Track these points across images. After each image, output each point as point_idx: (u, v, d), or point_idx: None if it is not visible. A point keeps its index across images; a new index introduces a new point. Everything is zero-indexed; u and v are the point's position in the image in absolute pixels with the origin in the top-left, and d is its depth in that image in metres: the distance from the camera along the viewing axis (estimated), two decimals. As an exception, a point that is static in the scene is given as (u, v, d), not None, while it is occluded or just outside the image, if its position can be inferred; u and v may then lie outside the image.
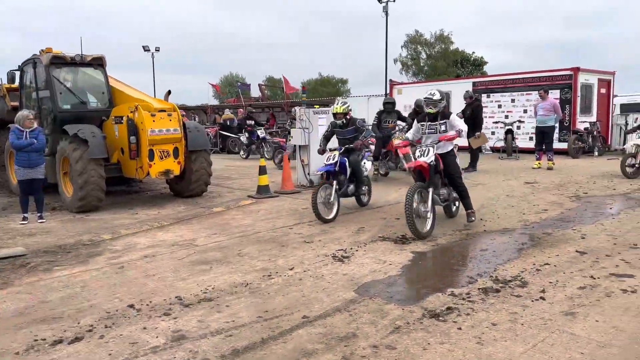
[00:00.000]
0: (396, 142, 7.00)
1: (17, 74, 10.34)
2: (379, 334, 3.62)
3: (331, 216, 7.55)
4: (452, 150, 6.89)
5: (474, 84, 18.68)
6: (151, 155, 8.79)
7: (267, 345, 3.50)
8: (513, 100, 17.82)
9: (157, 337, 3.69)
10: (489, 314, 3.93)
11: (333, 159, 7.73)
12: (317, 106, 13.53)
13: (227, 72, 79.17)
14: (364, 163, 8.30)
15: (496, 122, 17.67)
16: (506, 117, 17.60)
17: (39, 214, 8.05)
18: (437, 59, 55.64)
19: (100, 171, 8.57)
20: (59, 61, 9.23)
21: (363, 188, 8.34)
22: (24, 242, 6.71)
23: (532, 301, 4.17)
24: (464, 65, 52.88)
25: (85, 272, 5.38)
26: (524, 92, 17.49)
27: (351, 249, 5.95)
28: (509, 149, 15.95)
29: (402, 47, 57.85)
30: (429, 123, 6.87)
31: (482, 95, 17.40)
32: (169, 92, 10.49)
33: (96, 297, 4.60)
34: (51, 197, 9.36)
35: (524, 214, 7.62)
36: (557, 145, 15.03)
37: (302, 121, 10.39)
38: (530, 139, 15.68)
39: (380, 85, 27.85)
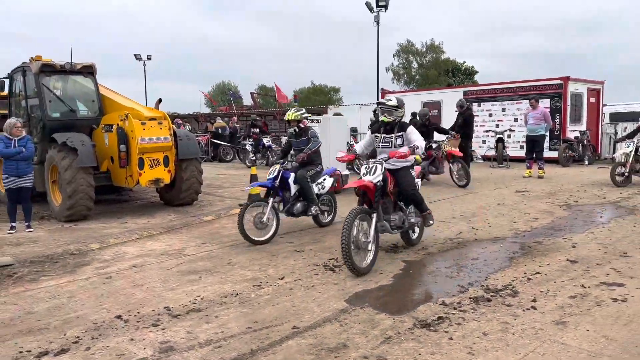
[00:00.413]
0: (339, 154, 6.08)
1: (7, 82, 10.25)
2: (370, 344, 3.58)
3: (264, 238, 6.72)
4: (410, 166, 5.97)
5: (465, 92, 18.80)
6: (141, 164, 8.73)
7: (256, 357, 3.45)
8: (504, 109, 17.96)
9: (144, 348, 3.63)
10: (480, 324, 3.91)
11: (273, 173, 7.01)
12: (310, 115, 13.52)
13: (219, 80, 79.19)
14: (323, 180, 7.39)
15: (487, 131, 17.79)
16: (497, 125, 17.71)
17: (27, 223, 7.94)
18: (429, 68, 56.10)
19: (89, 180, 8.48)
20: (49, 69, 9.17)
21: (314, 208, 7.20)
22: (11, 251, 6.61)
23: (523, 310, 4.16)
24: (455, 74, 53.34)
25: (72, 283, 5.30)
26: (515, 101, 17.63)
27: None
28: (499, 158, 16.04)
29: (393, 56, 58.33)
30: (384, 135, 5.92)
31: (473, 104, 17.50)
32: (160, 101, 10.45)
33: (83, 308, 4.53)
34: (40, 206, 9.26)
35: (515, 223, 7.63)
36: (547, 154, 15.15)
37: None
38: (521, 147, 15.78)
39: (372, 94, 27.97)
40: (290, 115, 7.36)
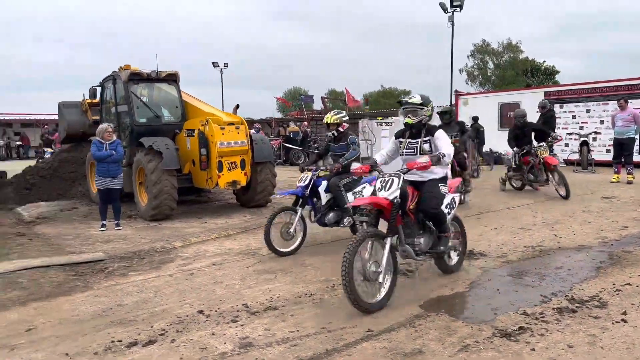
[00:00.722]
0: (354, 166, 5.48)
1: (98, 89, 11.08)
2: (447, 352, 3.52)
3: (289, 249, 6.36)
4: (439, 179, 4.97)
5: (545, 93, 17.90)
6: (220, 167, 9.12)
7: (332, 357, 3.49)
8: (588, 111, 16.90)
9: (225, 343, 3.79)
10: (564, 335, 3.71)
11: (303, 181, 6.55)
12: (380, 118, 13.49)
13: (290, 86, 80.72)
14: (362, 188, 6.51)
15: (570, 134, 16.81)
16: (581, 128, 16.70)
17: (116, 222, 8.54)
18: (506, 68, 53.91)
19: (173, 181, 8.98)
20: (137, 77, 9.81)
21: (347, 220, 6.63)
22: (102, 247, 7.13)
23: (613, 323, 3.90)
24: (535, 74, 50.86)
25: (158, 278, 5.64)
26: (600, 102, 16.53)
27: (416, 262, 5.84)
28: (584, 162, 15.11)
29: (468, 56, 56.63)
30: (409, 141, 5.04)
31: (555, 105, 16.62)
32: (237, 106, 10.85)
33: (168, 302, 4.80)
34: (127, 206, 9.91)
35: (602, 231, 7.16)
36: (637, 158, 14.06)
37: (364, 133, 10.41)
38: (608, 151, 14.78)
39: (444, 96, 27.35)
40: (329, 118, 6.94)
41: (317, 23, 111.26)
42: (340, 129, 6.91)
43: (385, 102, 62.27)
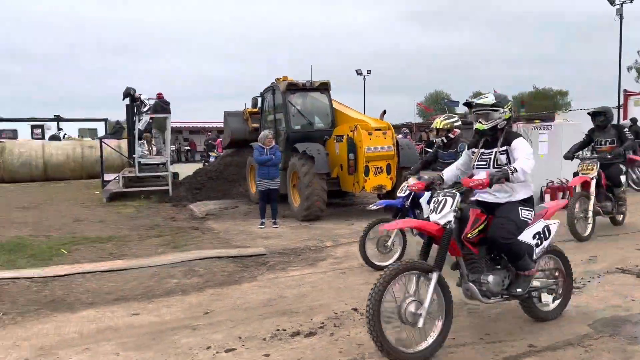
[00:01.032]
0: (409, 181, 4.77)
1: (259, 99, 12.09)
2: (624, 377, 3.21)
3: (386, 263, 5.82)
4: (521, 201, 3.96)
5: None
6: (366, 171, 9.37)
7: (492, 368, 3.41)
8: None
9: (381, 342, 3.90)
10: None
11: (404, 192, 6.04)
12: (538, 121, 12.62)
13: (432, 89, 79.15)
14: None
15: None
16: None
17: (273, 220, 9.25)
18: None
19: (323, 185, 9.47)
20: (293, 87, 10.53)
21: None
22: (263, 243, 7.79)
23: None
24: None
25: (313, 274, 6.00)
26: None
27: (582, 278, 5.38)
28: None
29: (638, 52, 50.04)
30: (482, 151, 4.12)
31: None
32: (384, 112, 11.04)
33: (324, 298, 5.09)
34: (281, 206, 10.65)
35: None
36: None
37: (519, 138, 9.82)
38: None
39: (610, 97, 24.54)
40: (438, 123, 6.42)
41: (457, 23, 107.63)
42: (451, 135, 6.40)
43: (538, 104, 57.80)
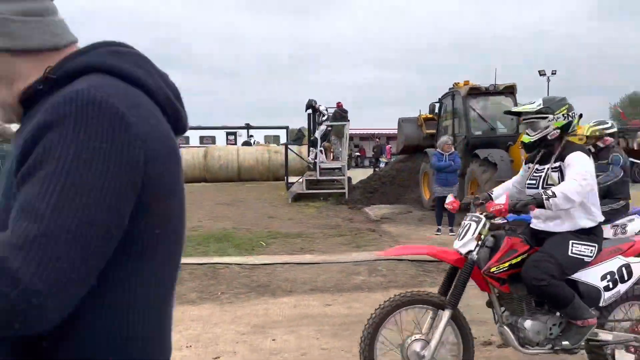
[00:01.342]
0: (449, 199, 3.73)
1: (437, 105, 12.05)
2: None
3: None
4: (577, 231, 3.14)
5: None
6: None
7: None
8: None
9: None
10: None
11: None
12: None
13: (629, 90, 69.26)
14: (628, 221, 5.07)
15: None
16: None
17: (450, 227, 9.12)
18: None
19: (505, 193, 9.03)
20: (475, 92, 10.28)
21: None
22: (441, 250, 7.74)
23: None
24: None
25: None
26: None
27: None
28: None
29: None
30: (536, 167, 3.38)
31: None
32: (580, 116, 10.09)
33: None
34: (458, 214, 10.43)
35: None
36: None
37: None
38: None
39: None
40: (586, 129, 5.68)
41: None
42: (600, 144, 5.64)
43: None
